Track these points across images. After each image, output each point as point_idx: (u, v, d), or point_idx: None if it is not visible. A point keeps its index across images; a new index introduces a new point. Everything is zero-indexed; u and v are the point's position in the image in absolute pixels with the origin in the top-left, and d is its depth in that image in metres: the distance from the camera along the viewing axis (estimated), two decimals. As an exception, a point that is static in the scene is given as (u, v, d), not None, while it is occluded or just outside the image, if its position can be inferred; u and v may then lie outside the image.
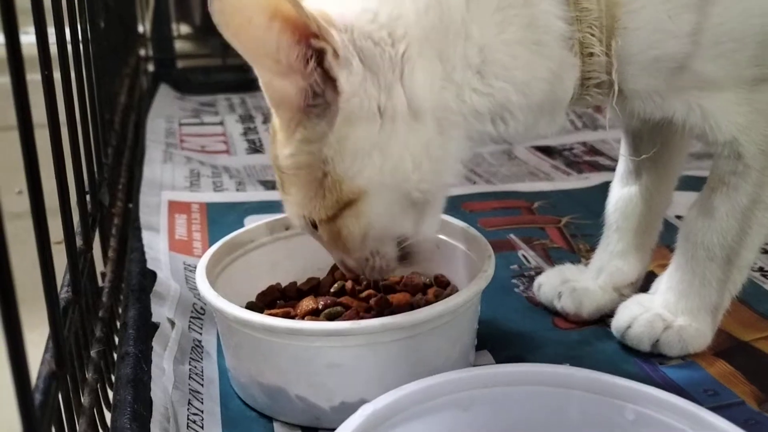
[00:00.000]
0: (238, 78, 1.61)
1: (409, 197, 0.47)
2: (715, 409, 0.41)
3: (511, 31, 0.46)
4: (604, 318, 0.61)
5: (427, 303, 0.55)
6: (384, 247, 0.50)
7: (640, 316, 0.56)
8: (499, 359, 0.57)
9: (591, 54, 0.47)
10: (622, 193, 0.62)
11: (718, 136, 0.50)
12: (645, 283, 0.62)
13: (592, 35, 0.46)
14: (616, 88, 0.48)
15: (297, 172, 0.47)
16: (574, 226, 0.81)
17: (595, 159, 1.07)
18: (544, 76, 0.47)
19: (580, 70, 0.48)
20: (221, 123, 1.26)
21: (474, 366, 0.55)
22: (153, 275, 0.64)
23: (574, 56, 0.47)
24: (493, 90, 0.47)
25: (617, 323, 0.58)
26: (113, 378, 0.53)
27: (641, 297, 0.59)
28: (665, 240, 0.60)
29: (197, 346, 0.58)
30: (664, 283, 0.57)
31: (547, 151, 1.10)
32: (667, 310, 0.56)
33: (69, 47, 0.55)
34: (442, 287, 0.60)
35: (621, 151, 0.62)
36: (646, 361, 0.56)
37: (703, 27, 0.46)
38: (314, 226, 0.49)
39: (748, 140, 0.50)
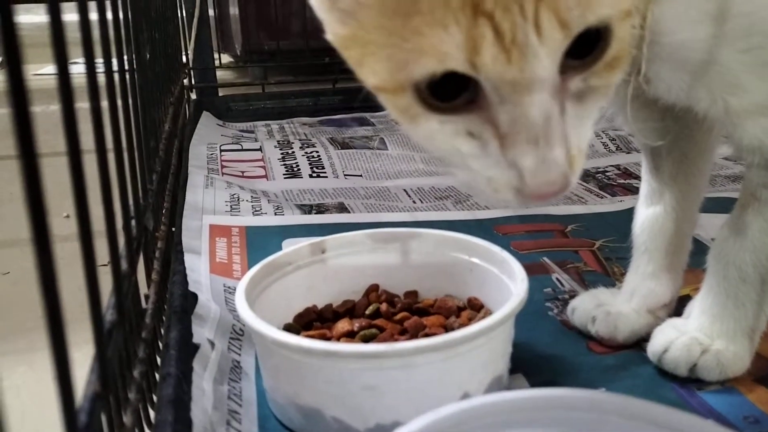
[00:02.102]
0: (277, 105, 1.66)
1: None
2: (755, 436, 0.41)
3: None
4: (639, 342, 0.61)
5: (461, 326, 0.56)
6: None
7: (676, 339, 0.56)
8: (534, 383, 0.57)
9: None
10: (647, 213, 0.62)
11: (744, 138, 0.48)
12: (680, 307, 0.61)
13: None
14: (644, 65, 0.47)
15: None
16: (609, 249, 0.81)
17: (629, 182, 1.06)
18: None
19: None
20: (260, 149, 1.28)
21: (508, 390, 0.55)
22: (194, 297, 0.65)
23: None
24: None
25: (653, 347, 0.57)
26: (155, 398, 0.54)
27: (676, 321, 0.58)
28: (701, 263, 0.59)
29: (236, 366, 0.59)
30: (697, 306, 0.57)
31: (581, 174, 1.10)
32: (703, 333, 0.55)
33: (116, 77, 0.57)
34: (476, 310, 0.60)
35: (643, 172, 0.62)
36: (683, 387, 0.56)
37: (733, 12, 0.45)
38: None
39: None
